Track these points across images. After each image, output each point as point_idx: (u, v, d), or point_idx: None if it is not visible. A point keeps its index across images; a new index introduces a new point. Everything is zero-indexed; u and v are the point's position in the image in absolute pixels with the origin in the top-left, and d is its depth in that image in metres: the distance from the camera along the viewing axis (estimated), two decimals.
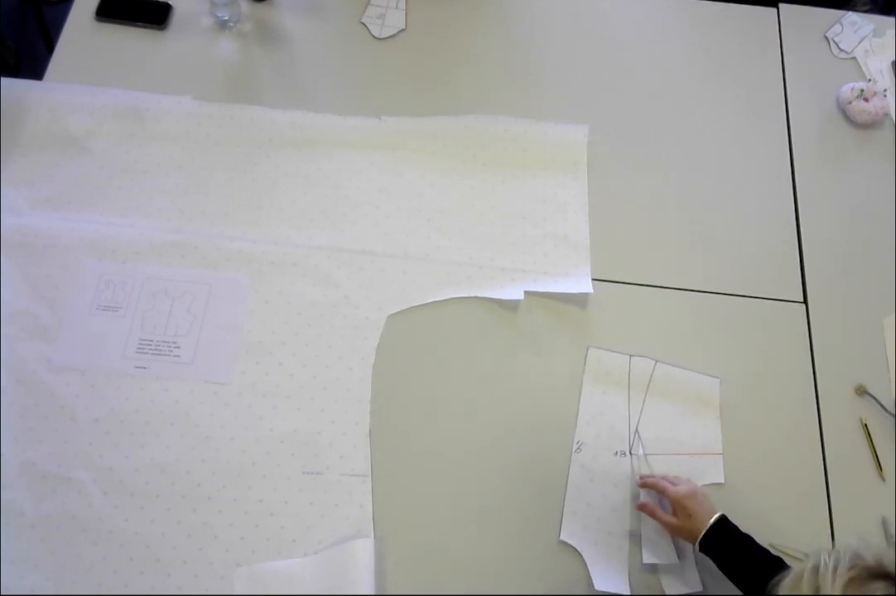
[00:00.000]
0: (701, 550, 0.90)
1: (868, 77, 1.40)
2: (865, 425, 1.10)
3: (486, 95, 1.30)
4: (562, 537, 0.99)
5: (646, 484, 0.99)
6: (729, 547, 0.89)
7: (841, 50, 1.42)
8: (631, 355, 1.11)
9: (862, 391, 1.12)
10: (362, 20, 1.36)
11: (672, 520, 0.93)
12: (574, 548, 0.99)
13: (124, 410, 1.02)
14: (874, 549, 0.63)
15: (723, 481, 1.05)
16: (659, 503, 0.98)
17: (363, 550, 0.96)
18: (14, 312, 1.06)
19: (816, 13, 1.47)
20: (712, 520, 0.89)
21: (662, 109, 1.33)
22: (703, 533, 0.89)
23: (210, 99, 1.24)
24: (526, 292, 1.13)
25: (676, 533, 0.94)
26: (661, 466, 1.05)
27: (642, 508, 0.98)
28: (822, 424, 1.10)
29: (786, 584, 0.67)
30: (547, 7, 1.42)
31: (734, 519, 0.92)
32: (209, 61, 1.29)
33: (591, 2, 1.44)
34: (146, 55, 1.28)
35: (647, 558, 0.98)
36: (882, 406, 1.11)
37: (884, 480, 1.07)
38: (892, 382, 1.13)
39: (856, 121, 1.34)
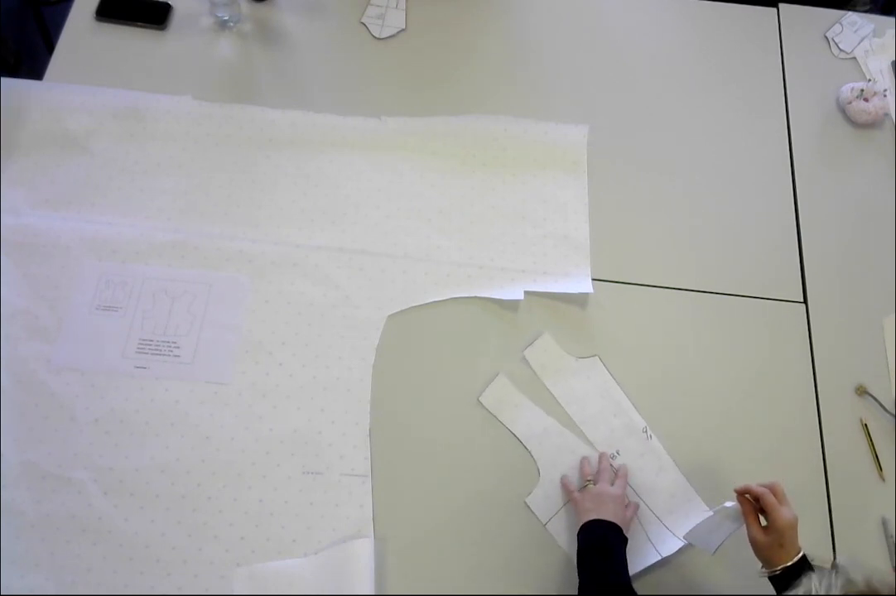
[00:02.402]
0: (770, 577, 0.85)
1: (868, 77, 1.40)
2: (865, 425, 1.10)
3: (486, 95, 1.30)
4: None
5: (748, 491, 0.88)
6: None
7: (841, 50, 1.42)
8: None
9: (862, 391, 1.12)
10: (362, 20, 1.36)
11: (762, 535, 0.86)
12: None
13: (124, 410, 1.02)
14: (865, 570, 0.62)
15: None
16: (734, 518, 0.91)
17: (363, 550, 0.96)
18: (14, 312, 1.06)
19: (816, 13, 1.47)
20: (796, 558, 0.84)
21: (662, 109, 1.33)
22: (783, 566, 0.84)
23: (210, 99, 1.24)
24: (526, 292, 1.13)
25: (757, 549, 0.87)
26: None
27: (743, 492, 0.89)
28: (822, 424, 1.10)
29: None
30: (547, 7, 1.42)
31: None
32: (209, 61, 1.29)
33: (592, 2, 1.44)
34: (146, 55, 1.28)
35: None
36: (882, 406, 1.11)
37: (884, 480, 1.07)
38: (892, 382, 1.13)
39: (856, 121, 1.34)
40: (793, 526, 0.85)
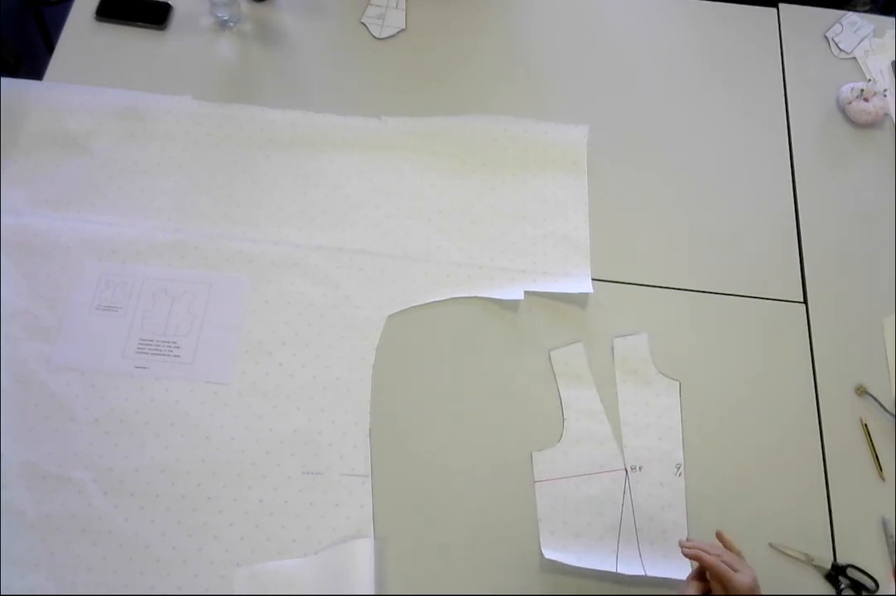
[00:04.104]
0: None
1: (868, 77, 1.40)
2: (865, 425, 1.10)
3: (486, 95, 1.30)
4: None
5: (697, 559, 0.82)
6: None
7: (841, 50, 1.42)
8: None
9: (862, 391, 1.12)
10: (362, 20, 1.36)
11: None
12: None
13: (124, 410, 1.02)
14: None
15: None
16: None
17: (363, 550, 0.96)
18: (14, 312, 1.06)
19: (816, 13, 1.47)
20: None
21: (662, 109, 1.33)
22: None
23: (210, 99, 1.24)
24: (526, 292, 1.13)
25: None
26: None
27: (692, 557, 0.82)
28: (822, 424, 1.10)
29: None
30: (547, 7, 1.42)
31: (733, 518, 0.92)
32: (209, 61, 1.29)
33: (592, 2, 1.44)
34: (146, 55, 1.28)
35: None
36: (882, 406, 1.11)
37: (884, 480, 1.07)
38: (892, 382, 1.13)
39: (856, 121, 1.34)
40: (752, 589, 0.78)
